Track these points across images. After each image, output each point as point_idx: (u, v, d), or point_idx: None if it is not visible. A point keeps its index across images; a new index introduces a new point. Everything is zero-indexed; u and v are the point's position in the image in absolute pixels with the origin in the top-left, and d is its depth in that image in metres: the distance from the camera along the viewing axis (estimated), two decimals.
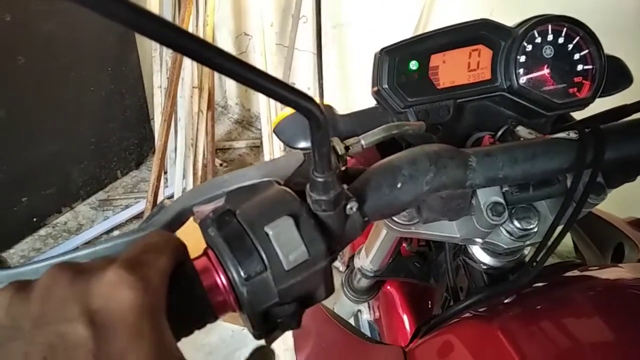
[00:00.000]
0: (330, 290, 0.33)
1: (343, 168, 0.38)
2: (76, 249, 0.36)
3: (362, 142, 0.40)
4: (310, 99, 0.26)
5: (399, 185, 0.35)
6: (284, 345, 1.31)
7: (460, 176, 0.37)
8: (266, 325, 0.32)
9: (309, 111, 0.26)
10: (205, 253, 0.31)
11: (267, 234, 0.29)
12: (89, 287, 0.26)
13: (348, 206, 0.33)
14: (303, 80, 2.39)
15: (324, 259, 0.31)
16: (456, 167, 0.37)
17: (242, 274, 0.29)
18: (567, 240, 0.78)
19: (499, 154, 0.39)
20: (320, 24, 0.39)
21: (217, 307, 0.31)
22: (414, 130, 0.43)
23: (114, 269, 0.26)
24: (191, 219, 0.38)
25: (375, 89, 0.52)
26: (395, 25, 1.88)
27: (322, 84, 0.39)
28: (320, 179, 0.30)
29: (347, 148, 0.39)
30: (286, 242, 0.29)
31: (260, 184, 0.34)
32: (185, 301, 0.30)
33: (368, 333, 1.24)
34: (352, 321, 1.28)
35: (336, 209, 0.31)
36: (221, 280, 0.30)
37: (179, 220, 0.37)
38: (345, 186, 0.35)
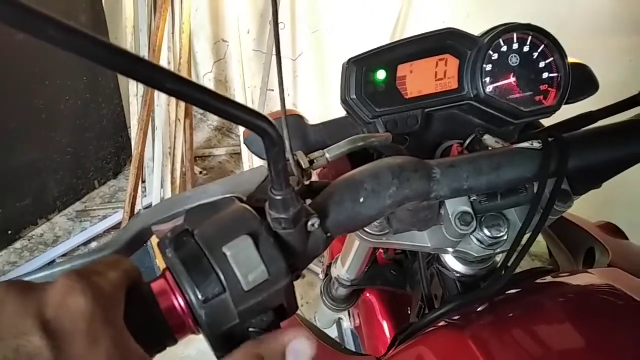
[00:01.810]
0: (293, 309, 0.33)
1: (307, 182, 0.38)
2: (32, 271, 0.35)
3: (327, 155, 0.40)
4: (261, 116, 0.25)
5: (361, 200, 0.35)
6: None
7: (424, 188, 0.37)
8: (228, 346, 0.31)
9: (261, 129, 0.26)
10: (163, 275, 0.31)
11: (225, 255, 0.29)
12: (40, 298, 0.26)
13: (309, 223, 0.32)
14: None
15: (285, 278, 0.30)
16: (420, 179, 0.37)
17: (199, 296, 0.28)
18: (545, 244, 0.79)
19: (464, 165, 0.39)
20: (278, 28, 0.39)
21: (176, 330, 0.30)
22: (381, 142, 0.43)
23: (63, 279, 0.26)
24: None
25: (344, 99, 0.52)
26: (374, 31, 1.89)
27: (283, 96, 0.38)
28: (278, 197, 0.29)
29: (311, 162, 0.39)
30: (245, 262, 0.29)
31: (220, 202, 0.34)
32: (143, 324, 0.29)
33: (351, 341, 1.24)
34: (334, 329, 1.28)
35: (297, 227, 0.31)
36: (179, 302, 0.29)
37: (141, 239, 0.36)
38: (309, 201, 0.35)
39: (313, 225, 0.32)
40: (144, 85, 0.22)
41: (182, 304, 0.29)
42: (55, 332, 0.24)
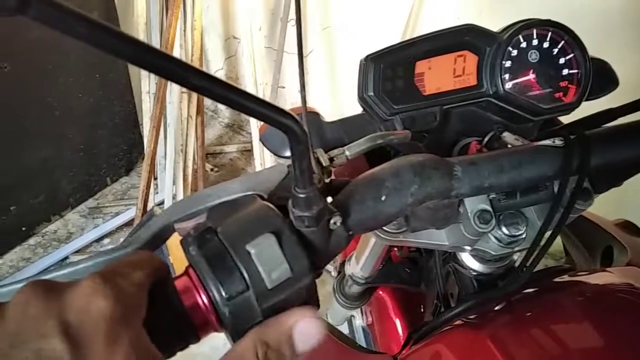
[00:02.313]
0: (315, 306, 0.33)
1: (327, 180, 0.37)
2: (55, 268, 0.35)
3: (347, 153, 0.40)
4: (286, 114, 0.25)
5: (383, 198, 0.35)
6: None
7: (445, 186, 0.37)
8: None
9: (286, 126, 0.25)
10: (186, 272, 0.31)
11: (248, 253, 0.29)
12: (62, 300, 0.26)
13: (332, 221, 0.32)
14: (294, 84, 2.39)
15: (308, 275, 0.30)
16: (441, 177, 0.36)
17: (223, 293, 0.28)
18: (560, 241, 0.78)
19: (485, 162, 0.39)
20: (300, 25, 0.38)
21: (198, 327, 0.30)
22: (399, 139, 0.43)
23: (87, 281, 0.26)
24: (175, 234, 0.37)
25: (361, 96, 0.52)
26: (386, 26, 1.88)
27: (304, 93, 0.38)
28: (302, 195, 0.29)
29: (331, 159, 0.38)
30: (268, 260, 0.29)
31: (242, 199, 0.34)
32: (166, 321, 0.29)
33: (362, 339, 1.23)
34: (345, 326, 1.27)
35: (319, 225, 0.31)
36: (202, 300, 0.29)
37: (162, 236, 0.36)
38: (330, 199, 0.35)
39: (335, 223, 0.32)
40: (168, 80, 0.22)
41: (206, 301, 0.29)
42: (76, 336, 0.24)
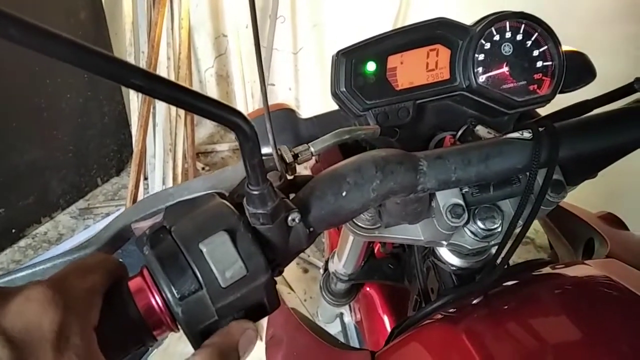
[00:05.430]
0: (274, 305, 0.32)
1: (291, 177, 0.37)
2: (13, 270, 0.35)
3: (312, 149, 0.39)
4: (234, 111, 0.25)
5: (344, 194, 0.34)
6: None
7: (410, 181, 0.36)
8: None
9: (233, 124, 0.25)
10: (141, 273, 0.30)
11: (201, 251, 0.28)
12: (5, 307, 0.25)
13: (290, 217, 0.31)
14: (283, 81, 2.38)
15: (265, 273, 0.30)
16: (405, 172, 0.36)
17: (175, 293, 0.28)
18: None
19: (451, 156, 0.38)
20: (256, 20, 0.37)
21: (153, 327, 0.30)
22: (367, 135, 0.42)
23: (32, 287, 0.26)
24: None
25: (334, 92, 0.51)
26: (375, 23, 1.87)
27: (265, 89, 0.37)
28: (255, 192, 0.29)
29: (295, 156, 0.38)
30: (222, 258, 0.28)
31: (200, 198, 0.33)
32: (120, 322, 0.29)
33: (354, 335, 1.23)
34: (337, 323, 1.27)
35: (275, 222, 0.30)
36: (156, 300, 0.29)
37: (123, 236, 0.36)
38: (291, 195, 0.34)
39: (293, 219, 0.32)
40: (109, 80, 0.22)
41: (159, 301, 0.29)
42: (21, 341, 0.24)
